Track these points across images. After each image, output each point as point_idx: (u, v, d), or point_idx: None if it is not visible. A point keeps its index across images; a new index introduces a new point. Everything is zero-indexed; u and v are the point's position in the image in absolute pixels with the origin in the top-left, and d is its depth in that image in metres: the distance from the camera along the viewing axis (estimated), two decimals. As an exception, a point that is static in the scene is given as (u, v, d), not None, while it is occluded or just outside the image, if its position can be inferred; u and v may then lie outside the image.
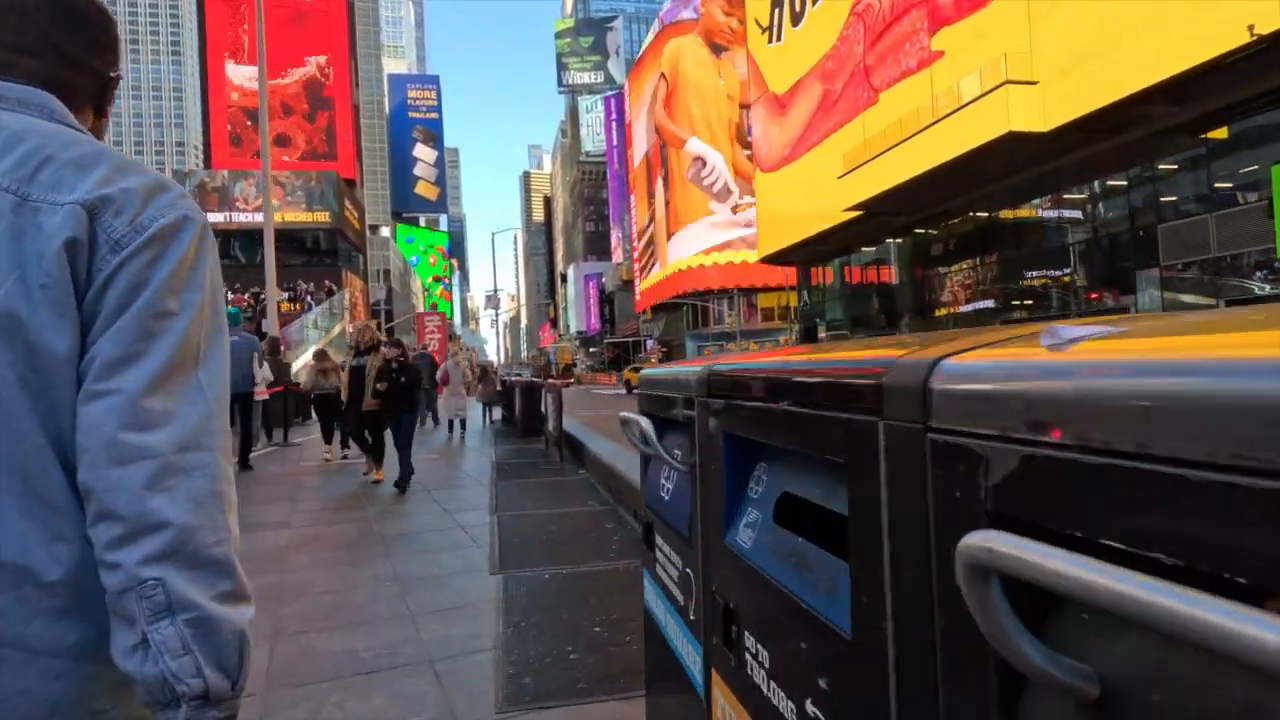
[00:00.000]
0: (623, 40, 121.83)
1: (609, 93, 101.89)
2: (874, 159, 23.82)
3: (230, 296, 28.08)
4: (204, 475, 0.72)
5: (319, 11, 49.34)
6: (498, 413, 14.66)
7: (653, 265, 64.28)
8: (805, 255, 35.69)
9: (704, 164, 55.05)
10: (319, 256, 40.59)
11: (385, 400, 6.38)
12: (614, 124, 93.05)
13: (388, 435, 6.63)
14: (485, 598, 3.49)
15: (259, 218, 40.35)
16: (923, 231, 28.28)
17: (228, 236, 40.31)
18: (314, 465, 8.49)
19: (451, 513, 5.07)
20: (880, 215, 26.64)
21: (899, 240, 29.65)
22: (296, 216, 40.61)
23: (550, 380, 46.83)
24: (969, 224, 26.00)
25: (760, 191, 37.30)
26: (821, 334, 37.48)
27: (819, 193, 29.23)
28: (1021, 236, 24.53)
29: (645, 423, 1.31)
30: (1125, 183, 19.14)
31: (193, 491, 0.71)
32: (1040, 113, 16.84)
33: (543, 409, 9.55)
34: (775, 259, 36.94)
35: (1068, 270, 22.42)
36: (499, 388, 14.64)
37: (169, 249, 0.75)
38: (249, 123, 45.66)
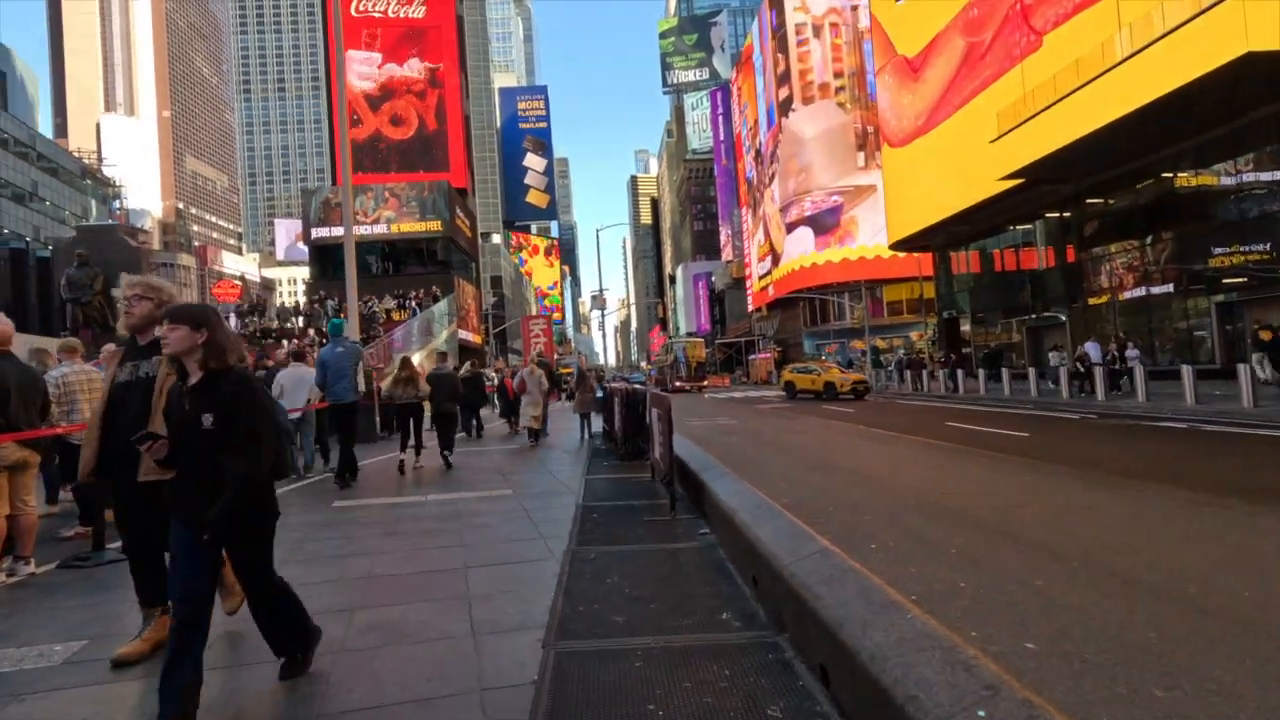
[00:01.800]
0: (727, 35, 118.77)
1: (714, 87, 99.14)
2: (1038, 114, 19.86)
3: (335, 306, 28.15)
4: None
5: (432, 27, 50.21)
6: (599, 421, 12.64)
7: (765, 261, 60.88)
8: (944, 239, 31.48)
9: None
10: (433, 265, 40.81)
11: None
12: (720, 118, 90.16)
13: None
14: None
15: (378, 229, 41.29)
16: (1099, 202, 23.65)
17: (341, 248, 41.16)
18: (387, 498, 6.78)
19: (481, 633, 2.93)
20: (1044, 184, 22.43)
21: (1062, 214, 25.10)
22: (411, 227, 41.11)
23: (679, 385, 42.76)
24: (1144, 193, 21.29)
25: (889, 170, 33.40)
26: (965, 326, 33.01)
27: (963, 163, 25.28)
28: (1208, 206, 19.71)
29: None
30: None
31: None
32: (1299, 22, 12.73)
33: (648, 426, 7.31)
34: (907, 245, 32.92)
35: (1266, 247, 17.63)
36: (598, 395, 12.59)
37: None
38: (365, 104, 47.50)
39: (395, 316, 30.87)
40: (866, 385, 24.89)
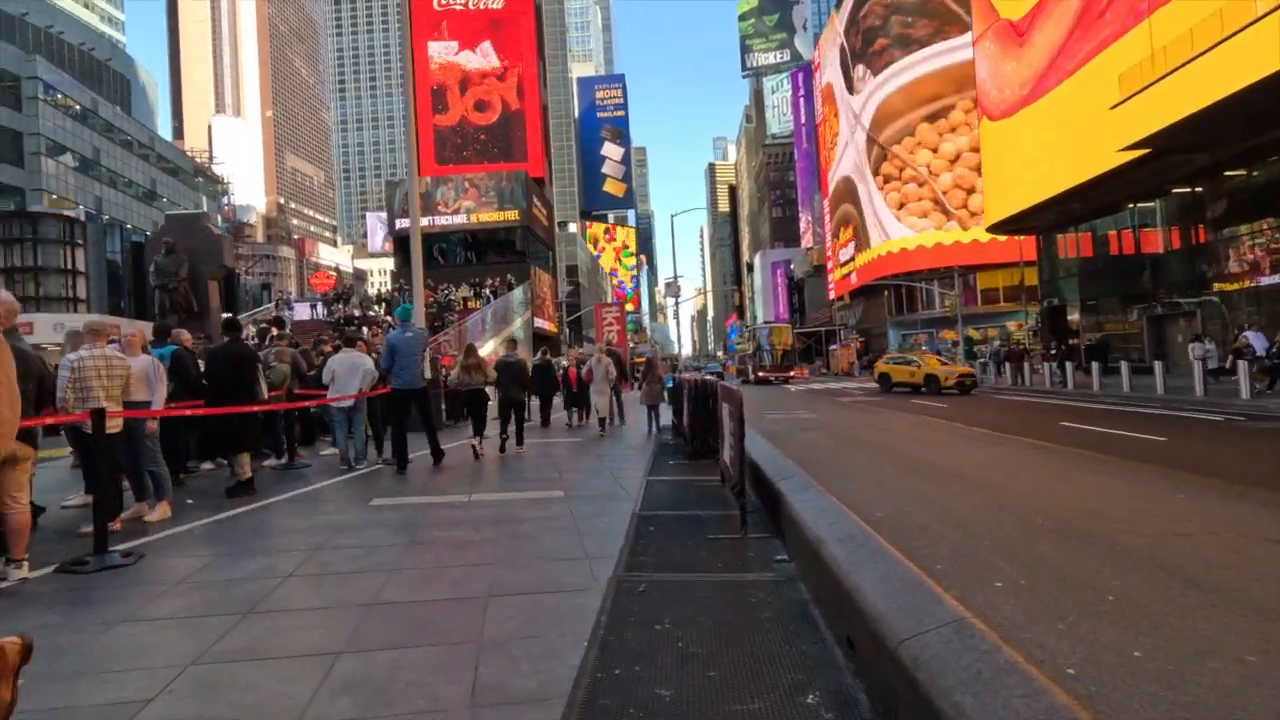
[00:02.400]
0: (810, 13, 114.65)
1: (795, 68, 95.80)
2: (1172, 74, 17.49)
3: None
4: None
5: (510, 18, 50.47)
6: (668, 413, 11.86)
7: (848, 247, 58.22)
8: (1050, 219, 28.75)
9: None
10: (511, 255, 41.09)
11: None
12: (802, 99, 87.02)
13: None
14: None
15: (458, 220, 41.95)
16: (1239, 174, 20.82)
17: (429, 239, 42.44)
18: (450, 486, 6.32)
19: (483, 703, 2.20)
20: (1174, 154, 19.88)
21: (1193, 188, 22.26)
22: (489, 216, 41.53)
23: (761, 375, 38.65)
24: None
25: (987, 146, 30.81)
26: (1072, 315, 30.17)
27: (1076, 135, 22.81)
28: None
29: None
30: None
31: None
32: None
33: (720, 423, 6.48)
34: (1007, 227, 30.31)
35: None
36: (667, 385, 11.79)
37: None
38: (454, 90, 48.51)
39: (471, 305, 31.05)
40: (974, 379, 22.72)
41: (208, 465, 7.55)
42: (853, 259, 56.43)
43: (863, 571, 2.68)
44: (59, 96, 63.43)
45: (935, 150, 46.59)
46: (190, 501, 5.96)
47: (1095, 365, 19.88)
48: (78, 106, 65.97)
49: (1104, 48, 21.38)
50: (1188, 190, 22.61)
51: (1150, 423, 11.43)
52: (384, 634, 2.89)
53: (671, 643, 2.74)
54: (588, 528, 4.72)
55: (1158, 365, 17.35)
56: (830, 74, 60.32)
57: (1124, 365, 18.70)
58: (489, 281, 31.12)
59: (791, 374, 40.60)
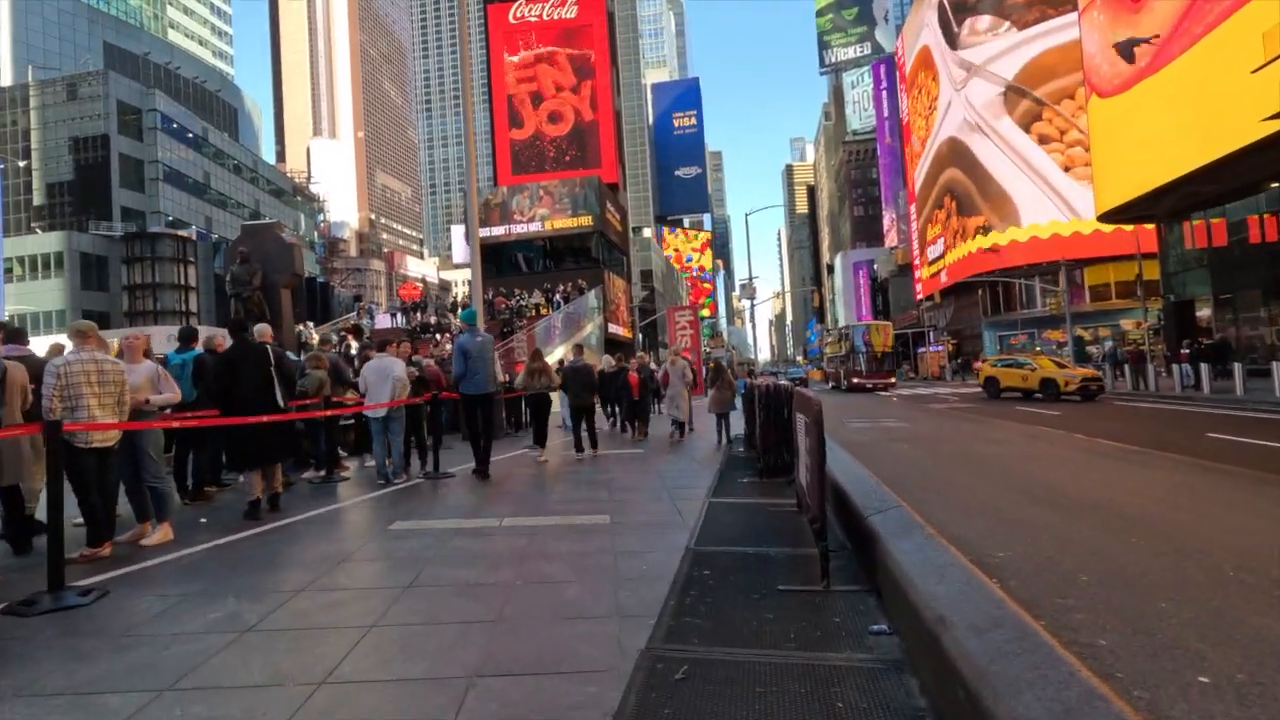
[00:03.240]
0: (891, 3, 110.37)
1: (877, 60, 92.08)
2: (1335, 25, 14.95)
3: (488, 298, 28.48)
4: None
5: (583, 27, 50.63)
6: (740, 421, 10.79)
7: (936, 244, 54.85)
8: (1172, 205, 25.67)
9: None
10: (585, 261, 40.92)
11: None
12: (884, 92, 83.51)
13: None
14: None
15: (533, 227, 42.20)
16: None
17: (506, 247, 43.04)
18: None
19: None
20: (1337, 119, 17.07)
21: (1357, 162, 19.13)
22: (564, 223, 41.57)
23: (856, 382, 33.29)
24: None
25: (1097, 126, 27.93)
26: (1203, 310, 26.85)
27: (1206, 106, 20.11)
28: None
29: None
30: None
31: None
32: None
33: (794, 437, 5.50)
34: (1122, 214, 27.34)
35: None
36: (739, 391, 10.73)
37: None
38: (528, 104, 49.22)
39: (543, 311, 30.82)
40: (1100, 383, 20.16)
41: (243, 477, 7.15)
42: (943, 256, 53.13)
43: (1023, 695, 1.64)
44: (174, 126, 68.54)
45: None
46: (204, 520, 5.46)
47: (1238, 367, 17.30)
48: (191, 135, 71.13)
49: (1240, 6, 18.75)
50: (1350, 163, 19.51)
51: (1329, 435, 9.45)
52: (312, 741, 2.07)
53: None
54: (628, 569, 3.80)
55: (1321, 366, 14.81)
56: (927, 37, 55.31)
57: (1276, 368, 16.13)
58: (561, 287, 30.80)
59: (892, 380, 34.40)
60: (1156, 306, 29.91)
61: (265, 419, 5.29)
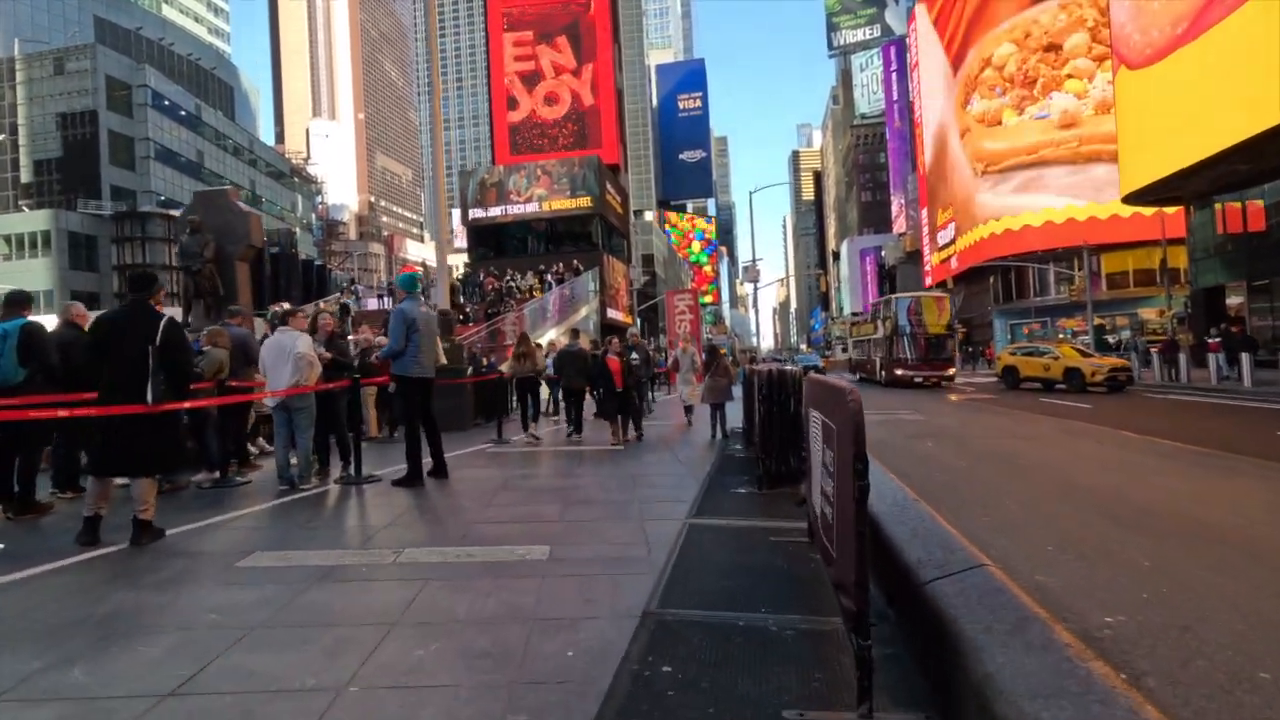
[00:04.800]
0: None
1: (887, 42, 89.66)
2: None
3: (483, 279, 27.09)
4: None
5: (585, 5, 48.72)
6: (738, 410, 9.39)
7: (947, 229, 53.14)
8: (1203, 185, 24.03)
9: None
10: (585, 244, 39.34)
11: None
12: (894, 75, 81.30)
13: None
14: None
15: (530, 208, 40.63)
16: None
17: (503, 229, 41.64)
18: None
19: None
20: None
21: None
22: (562, 204, 39.97)
23: (901, 374, 26.29)
24: None
25: (1125, 100, 26.20)
26: (1234, 298, 25.29)
27: (1253, 75, 18.43)
28: None
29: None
30: None
31: None
32: None
33: (803, 438, 4.11)
34: (1149, 196, 25.69)
35: None
36: (732, 381, 9.27)
37: None
38: (520, 84, 47.10)
39: (535, 294, 29.36)
40: (1130, 373, 18.78)
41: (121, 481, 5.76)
42: (953, 241, 51.46)
43: None
44: (165, 103, 66.79)
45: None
46: (2, 546, 4.07)
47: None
48: (184, 112, 69.39)
49: (1298, -41, 17.07)
50: None
51: None
52: None
53: None
54: (544, 658, 2.40)
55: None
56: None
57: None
58: (555, 267, 29.26)
59: (950, 371, 25.50)
60: (1184, 293, 28.34)
61: (142, 409, 3.89)
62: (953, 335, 27.23)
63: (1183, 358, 19.95)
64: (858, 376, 32.35)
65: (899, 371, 25.49)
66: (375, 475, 5.96)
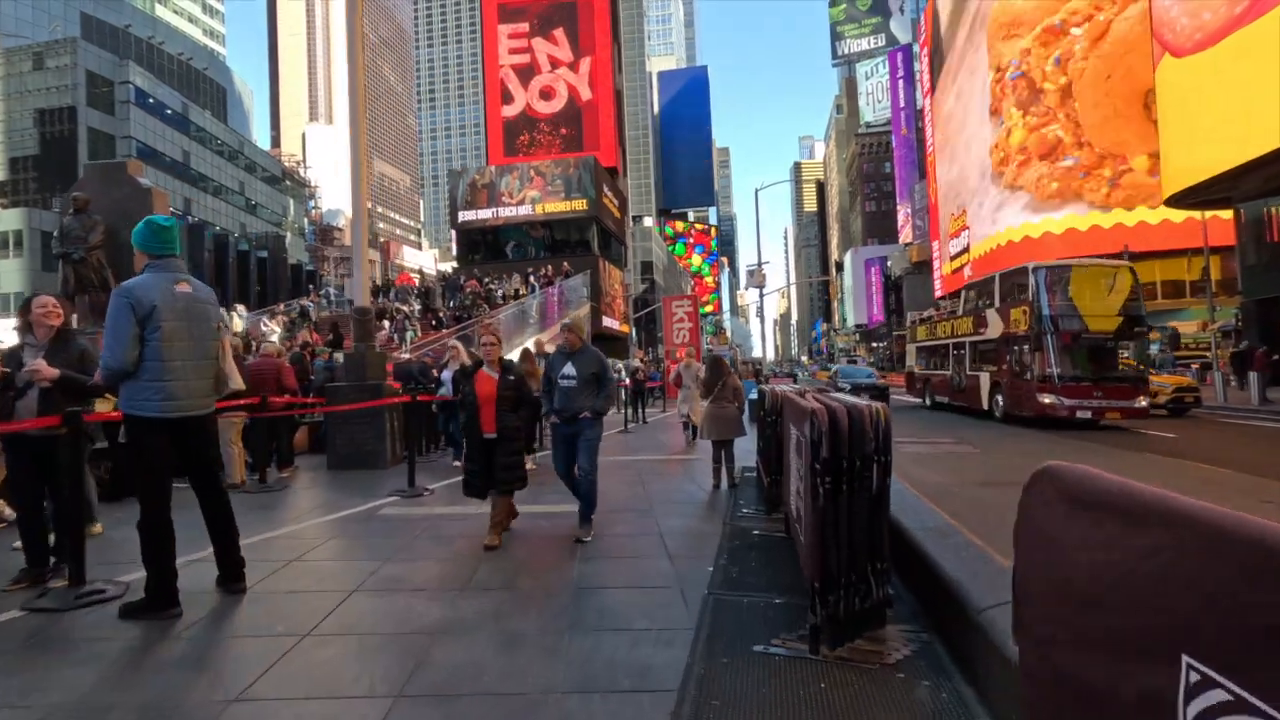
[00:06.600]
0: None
1: (892, 49, 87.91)
2: None
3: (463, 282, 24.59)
4: None
5: (584, 2, 46.64)
6: (752, 445, 6.91)
7: (959, 237, 50.85)
8: (1258, 185, 21.65)
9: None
10: (581, 250, 36.95)
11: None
12: (900, 81, 79.53)
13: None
14: None
15: (523, 210, 38.19)
16: None
17: (497, 233, 39.46)
18: None
19: None
20: None
21: None
22: (556, 206, 37.66)
23: (1048, 404, 13.36)
24: None
25: (1168, 92, 23.85)
26: (1295, 312, 22.84)
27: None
28: None
29: None
30: None
31: None
32: None
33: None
34: (1194, 198, 23.29)
35: None
36: (739, 405, 6.65)
37: None
38: (515, 78, 45.10)
39: (523, 295, 26.84)
40: (1197, 394, 16.46)
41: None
42: (966, 250, 49.14)
43: None
44: (150, 101, 64.69)
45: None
46: None
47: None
48: (169, 111, 67.26)
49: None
50: None
51: None
52: None
53: None
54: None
55: None
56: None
57: None
58: (542, 270, 26.80)
59: (1142, 404, 13.82)
60: (1233, 305, 25.90)
61: None
62: (1145, 332, 15.12)
63: (1255, 376, 17.46)
64: (927, 401, 22.06)
65: (1043, 397, 14.17)
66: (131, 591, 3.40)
